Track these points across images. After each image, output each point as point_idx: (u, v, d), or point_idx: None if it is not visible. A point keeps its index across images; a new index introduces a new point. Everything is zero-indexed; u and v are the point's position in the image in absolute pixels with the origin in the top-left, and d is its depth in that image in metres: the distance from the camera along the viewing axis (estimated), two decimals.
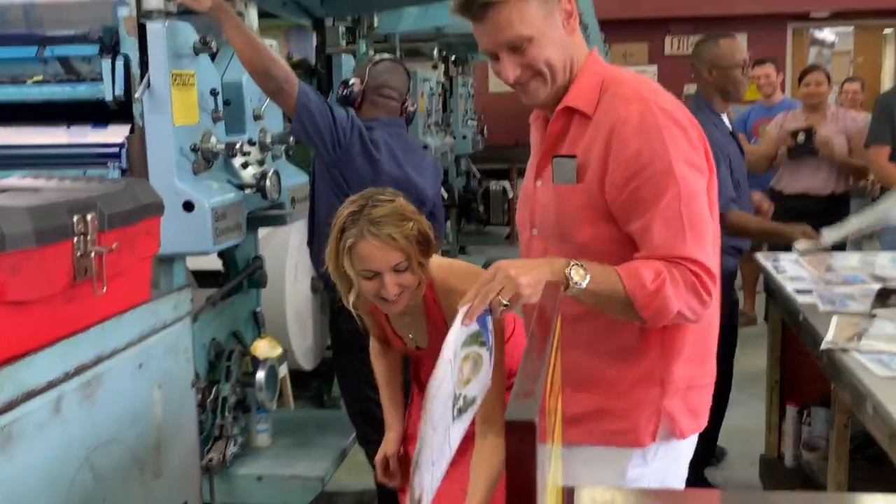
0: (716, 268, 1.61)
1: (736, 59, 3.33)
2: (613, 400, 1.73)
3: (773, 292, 3.20)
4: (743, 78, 3.37)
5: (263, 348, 3.04)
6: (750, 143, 5.64)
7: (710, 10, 9.15)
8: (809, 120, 5.14)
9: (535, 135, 1.88)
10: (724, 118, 3.47)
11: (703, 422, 1.80)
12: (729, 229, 2.95)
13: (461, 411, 1.49)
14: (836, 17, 9.36)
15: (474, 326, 1.47)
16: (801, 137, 4.86)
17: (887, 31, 11.12)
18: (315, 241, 3.11)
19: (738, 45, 3.46)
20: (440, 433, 1.43)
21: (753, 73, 6.23)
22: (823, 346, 2.28)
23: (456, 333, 1.44)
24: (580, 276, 1.54)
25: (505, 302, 1.47)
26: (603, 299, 1.58)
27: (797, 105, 5.82)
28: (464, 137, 7.51)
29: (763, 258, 3.39)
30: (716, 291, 1.61)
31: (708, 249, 1.61)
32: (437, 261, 2.05)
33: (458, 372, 1.46)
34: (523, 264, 1.54)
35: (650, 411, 1.71)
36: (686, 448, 1.80)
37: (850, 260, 3.36)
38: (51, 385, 1.52)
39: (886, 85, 10.68)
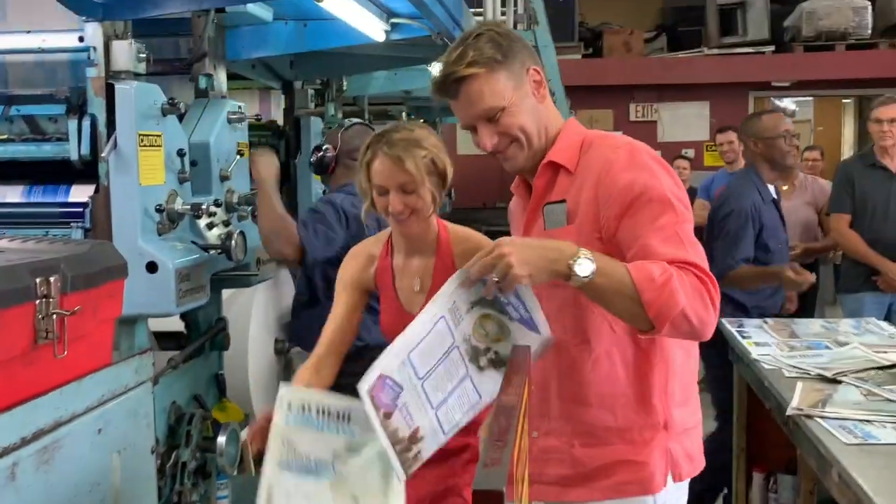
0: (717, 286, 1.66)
1: (779, 130, 3.68)
2: (627, 448, 1.76)
3: (739, 357, 3.23)
4: (788, 147, 3.69)
5: (225, 412, 2.99)
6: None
7: (674, 78, 9.38)
8: (778, 187, 5.24)
9: (517, 204, 1.98)
10: (772, 188, 3.85)
11: (699, 465, 1.84)
12: (727, 283, 3.28)
13: (493, 363, 1.57)
14: (797, 87, 9.62)
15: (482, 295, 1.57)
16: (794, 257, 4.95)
17: (846, 100, 11.46)
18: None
19: (782, 117, 3.82)
20: (437, 381, 1.52)
21: (717, 140, 6.39)
22: (789, 412, 2.31)
23: (449, 292, 1.56)
24: (585, 270, 1.55)
25: (495, 279, 1.53)
26: (609, 293, 1.59)
27: None
28: None
29: (727, 323, 3.44)
30: (716, 309, 1.63)
31: (704, 260, 1.67)
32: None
33: (473, 326, 1.58)
34: (523, 244, 1.59)
35: (659, 454, 1.76)
36: (682, 495, 1.84)
37: (812, 326, 3.41)
38: (6, 451, 1.49)
39: (846, 153, 10.97)
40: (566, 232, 1.72)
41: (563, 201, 1.77)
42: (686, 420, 1.82)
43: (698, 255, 1.66)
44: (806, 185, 5.27)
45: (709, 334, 1.63)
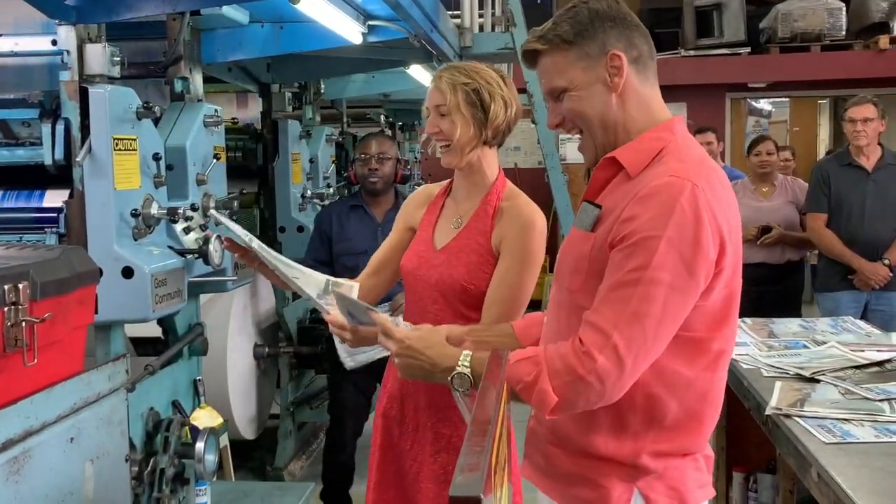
0: (633, 363, 1.51)
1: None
2: (591, 466, 1.67)
3: None
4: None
5: (203, 418, 2.96)
6: None
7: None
8: (758, 188, 5.29)
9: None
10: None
11: (692, 499, 1.68)
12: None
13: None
14: (773, 88, 9.68)
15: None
16: (767, 240, 5.08)
17: (821, 101, 11.56)
18: None
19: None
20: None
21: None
22: (768, 411, 2.31)
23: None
24: (462, 385, 1.64)
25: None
26: None
27: (738, 174, 5.98)
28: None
29: None
30: (616, 381, 1.51)
31: (638, 342, 1.50)
32: None
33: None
34: (411, 356, 1.72)
35: (623, 489, 1.65)
36: None
37: (790, 325, 3.42)
38: None
39: (822, 153, 11.06)
40: (586, 238, 1.64)
41: (598, 206, 1.64)
42: (673, 459, 1.66)
43: (631, 324, 1.50)
44: (786, 185, 5.33)
45: (613, 399, 1.54)
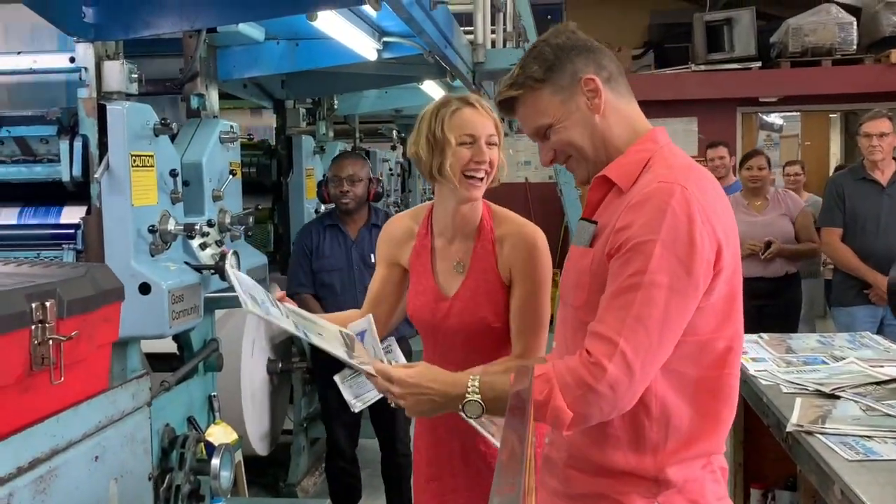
0: (642, 367, 1.52)
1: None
2: (611, 484, 1.67)
3: None
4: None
5: (218, 434, 2.96)
6: None
7: (662, 94, 9.40)
8: (751, 202, 5.29)
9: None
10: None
11: None
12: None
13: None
14: (784, 102, 9.66)
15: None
16: (769, 255, 5.05)
17: (832, 115, 11.54)
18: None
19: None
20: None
21: (707, 155, 6.40)
22: (789, 428, 2.29)
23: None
24: (473, 412, 1.63)
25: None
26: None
27: None
28: None
29: None
30: (628, 388, 1.52)
31: (645, 347, 1.52)
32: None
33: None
34: (416, 393, 1.70)
35: (644, 502, 1.65)
36: None
37: (808, 341, 3.40)
38: (2, 481, 1.45)
39: (833, 167, 11.02)
40: (585, 254, 1.67)
41: (594, 221, 1.68)
42: (693, 469, 1.67)
43: (636, 329, 1.51)
44: (778, 199, 5.33)
45: (626, 406, 1.55)
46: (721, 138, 6.91)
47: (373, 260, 4.01)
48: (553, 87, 1.68)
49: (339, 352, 1.88)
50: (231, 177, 2.94)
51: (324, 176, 4.67)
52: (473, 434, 2.06)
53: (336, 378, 2.23)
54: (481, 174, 2.12)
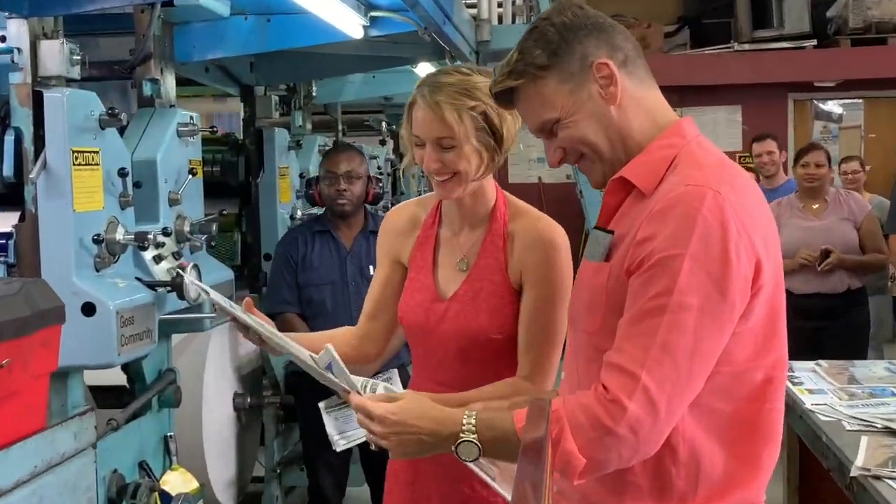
0: (668, 406, 1.52)
1: None
2: None
3: (789, 407, 3.21)
4: None
5: (176, 482, 2.95)
6: None
7: (699, 79, 9.44)
8: (807, 205, 5.27)
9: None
10: None
11: None
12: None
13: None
14: (843, 88, 9.68)
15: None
16: (826, 266, 5.00)
17: None
18: None
19: None
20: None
21: (753, 150, 6.41)
22: (853, 472, 2.28)
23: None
24: (469, 454, 1.63)
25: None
26: (507, 458, 1.63)
27: None
28: None
29: None
30: (651, 430, 1.52)
31: (671, 381, 1.52)
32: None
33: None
34: (401, 432, 1.71)
35: None
36: None
37: (875, 369, 3.39)
38: None
39: None
40: (600, 269, 1.66)
41: (610, 231, 1.68)
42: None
43: (661, 360, 1.51)
44: (840, 201, 5.26)
45: (649, 451, 1.55)
46: (769, 130, 6.95)
47: (371, 272, 4.04)
48: (560, 74, 1.68)
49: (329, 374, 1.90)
50: (191, 177, 2.94)
51: (299, 175, 4.69)
52: (460, 475, 2.07)
53: (320, 405, 2.23)
54: (443, 177, 2.11)
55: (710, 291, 1.52)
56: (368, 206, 4.23)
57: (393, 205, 7.16)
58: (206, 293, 2.18)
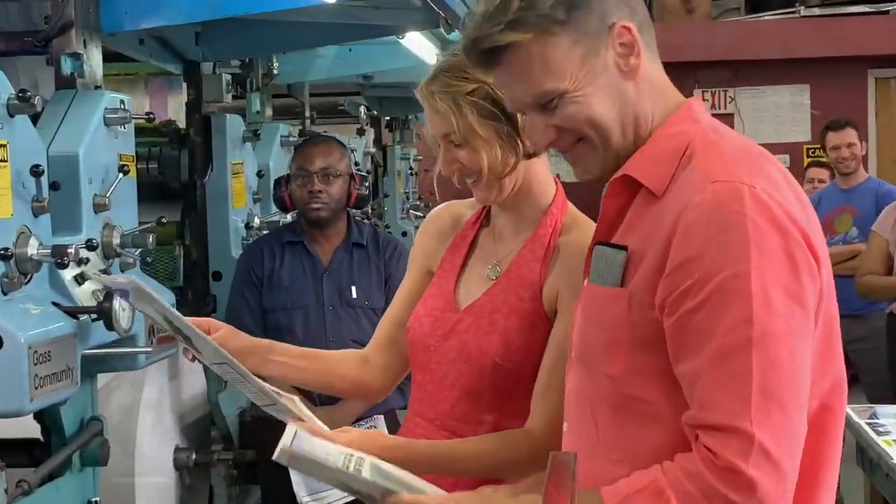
0: (790, 460, 1.55)
1: None
2: None
3: (872, 463, 3.21)
4: None
5: None
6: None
7: (757, 52, 9.45)
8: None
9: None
10: None
11: None
12: None
13: None
14: None
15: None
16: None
17: None
18: None
19: None
20: None
21: (827, 141, 6.41)
22: None
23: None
24: None
25: None
26: None
27: (889, 187, 5.99)
28: (403, 235, 7.56)
29: (854, 413, 3.43)
30: (780, 496, 1.54)
31: (785, 430, 1.54)
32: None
33: None
34: None
35: None
36: None
37: None
38: None
39: None
40: (616, 296, 1.67)
41: (623, 247, 1.69)
42: None
43: (769, 406, 1.53)
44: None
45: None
46: (846, 115, 6.93)
47: (354, 295, 4.04)
48: (574, 34, 1.68)
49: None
50: (121, 176, 2.94)
51: (257, 173, 4.69)
52: None
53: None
54: (471, 178, 2.19)
55: (792, 309, 1.55)
56: (351, 212, 4.24)
57: (373, 209, 7.21)
58: (152, 303, 2.19)
